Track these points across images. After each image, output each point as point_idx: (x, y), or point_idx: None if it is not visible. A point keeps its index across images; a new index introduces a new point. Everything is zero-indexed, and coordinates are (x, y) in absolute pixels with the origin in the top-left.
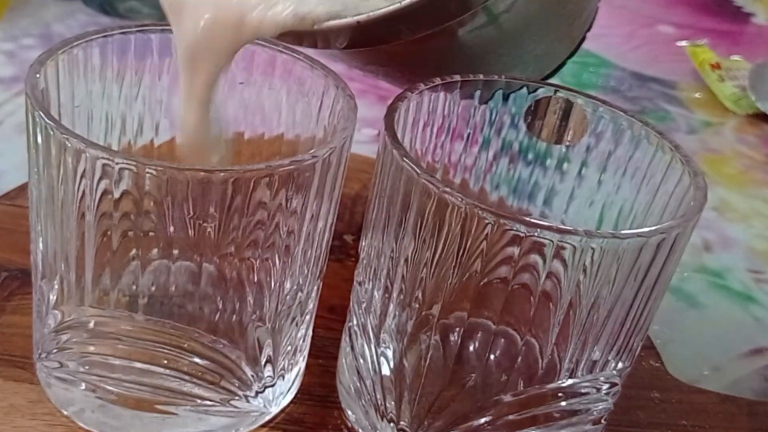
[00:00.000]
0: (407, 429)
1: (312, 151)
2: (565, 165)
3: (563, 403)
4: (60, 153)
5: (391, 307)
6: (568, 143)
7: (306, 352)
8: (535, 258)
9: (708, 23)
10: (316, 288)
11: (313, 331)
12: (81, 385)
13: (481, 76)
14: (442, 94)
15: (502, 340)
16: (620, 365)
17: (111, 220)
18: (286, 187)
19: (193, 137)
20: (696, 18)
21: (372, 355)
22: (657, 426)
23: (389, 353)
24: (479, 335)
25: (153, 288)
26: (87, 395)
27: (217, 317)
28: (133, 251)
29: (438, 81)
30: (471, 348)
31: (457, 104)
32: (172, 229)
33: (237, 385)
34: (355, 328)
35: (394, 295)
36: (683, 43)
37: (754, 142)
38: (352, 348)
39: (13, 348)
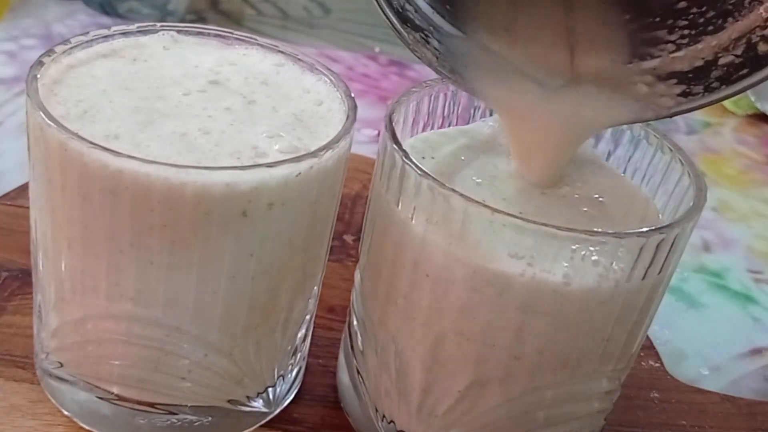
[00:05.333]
0: (406, 429)
1: (312, 151)
2: None
3: (563, 403)
4: (60, 153)
5: (392, 307)
6: None
7: (306, 353)
8: None
9: None
10: (316, 288)
11: (313, 331)
12: (81, 385)
13: None
14: (442, 95)
15: None
16: (620, 365)
17: (112, 221)
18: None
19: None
20: None
21: (372, 355)
22: (656, 426)
23: (389, 353)
24: None
25: (154, 289)
26: (87, 395)
27: (217, 317)
28: (134, 251)
29: (438, 81)
30: None
31: (457, 105)
32: (173, 230)
33: (237, 385)
34: (355, 328)
35: (395, 295)
36: None
37: (754, 143)
38: (352, 348)
39: (13, 348)
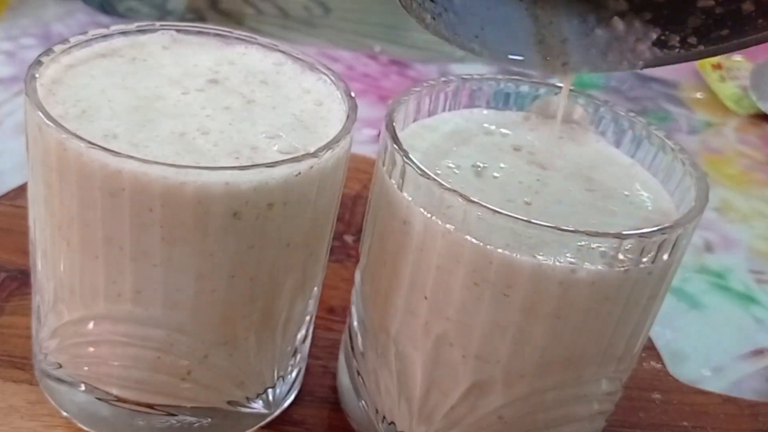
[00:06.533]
0: (407, 431)
1: (312, 151)
2: None
3: (565, 405)
4: (59, 153)
5: (392, 307)
6: None
7: (306, 353)
8: None
9: None
10: (316, 289)
11: (314, 332)
12: (80, 386)
13: (484, 76)
14: (442, 94)
15: None
16: (621, 366)
17: (111, 221)
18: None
19: None
20: None
21: (372, 356)
22: (658, 427)
23: (389, 354)
24: None
25: (153, 289)
26: (86, 396)
27: (217, 318)
28: (133, 251)
29: (438, 81)
30: None
31: (458, 104)
32: (172, 230)
33: (237, 386)
34: (356, 329)
35: (395, 295)
36: None
37: (756, 143)
38: (353, 349)
39: (12, 349)
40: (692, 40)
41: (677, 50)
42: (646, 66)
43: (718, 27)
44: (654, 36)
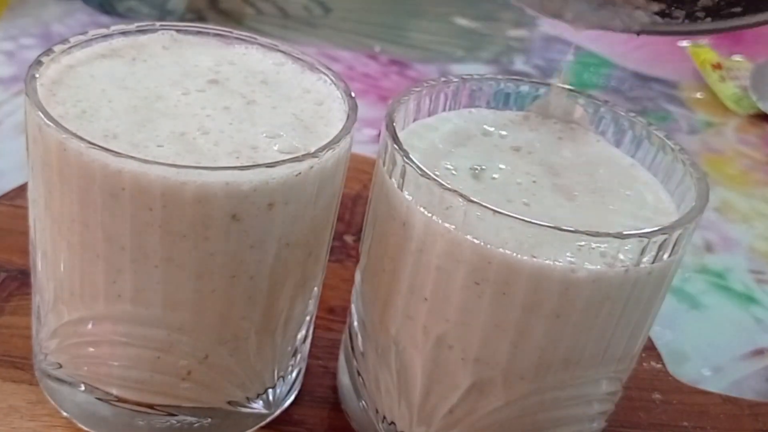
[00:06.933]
0: (407, 431)
1: (312, 151)
2: None
3: (565, 405)
4: (59, 153)
5: (392, 307)
6: None
7: (306, 354)
8: None
9: None
10: (316, 289)
11: (314, 332)
12: (80, 386)
13: (484, 76)
14: (442, 94)
15: None
16: (621, 366)
17: (111, 221)
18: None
19: None
20: None
21: (372, 356)
22: (658, 427)
23: (389, 354)
24: None
25: (153, 289)
26: (86, 396)
27: (217, 318)
28: (133, 251)
29: (438, 81)
30: None
31: (458, 103)
32: (172, 230)
33: (237, 386)
34: (356, 329)
35: (395, 295)
36: (684, 43)
37: (756, 143)
38: (353, 349)
39: (12, 349)
40: (700, 14)
41: (680, 21)
42: (642, 33)
43: (730, 4)
44: (657, 8)
